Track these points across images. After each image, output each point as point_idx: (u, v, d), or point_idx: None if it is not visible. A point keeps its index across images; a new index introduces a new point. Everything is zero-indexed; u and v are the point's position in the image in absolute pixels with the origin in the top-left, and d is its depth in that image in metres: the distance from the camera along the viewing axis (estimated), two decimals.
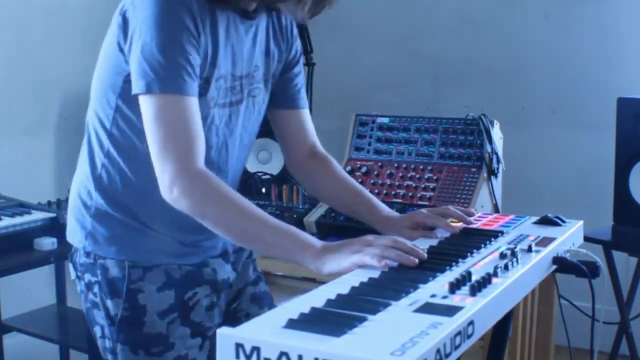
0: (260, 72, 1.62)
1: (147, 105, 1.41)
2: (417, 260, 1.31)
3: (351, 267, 1.34)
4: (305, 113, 1.77)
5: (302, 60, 1.76)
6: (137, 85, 1.41)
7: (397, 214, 1.68)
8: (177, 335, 1.54)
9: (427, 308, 1.08)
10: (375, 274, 1.26)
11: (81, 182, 1.58)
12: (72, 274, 1.62)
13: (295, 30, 1.71)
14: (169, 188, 1.39)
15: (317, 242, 1.40)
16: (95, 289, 1.54)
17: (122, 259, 1.52)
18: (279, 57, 1.67)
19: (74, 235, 1.59)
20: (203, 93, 1.47)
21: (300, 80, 1.76)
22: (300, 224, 2.33)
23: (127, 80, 1.45)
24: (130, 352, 1.53)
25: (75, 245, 1.58)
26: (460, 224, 1.60)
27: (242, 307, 1.71)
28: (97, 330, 1.58)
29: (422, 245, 1.43)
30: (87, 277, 1.56)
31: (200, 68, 1.45)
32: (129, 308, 1.51)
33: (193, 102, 1.43)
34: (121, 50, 1.46)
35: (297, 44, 1.72)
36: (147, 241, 1.54)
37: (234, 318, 1.68)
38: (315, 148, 1.78)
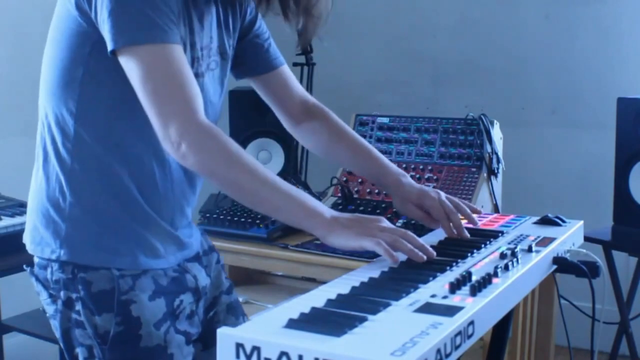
0: (214, 44, 1.51)
1: (133, 60, 1.29)
2: (425, 257, 1.31)
3: (355, 248, 1.32)
4: (284, 70, 1.68)
5: (261, 20, 1.65)
6: (117, 41, 1.28)
7: (408, 179, 1.63)
8: (175, 345, 1.44)
9: (428, 308, 1.08)
10: (376, 274, 1.26)
11: (47, 185, 1.42)
12: (43, 294, 1.44)
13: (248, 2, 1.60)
14: (176, 143, 1.29)
15: (326, 211, 1.36)
16: (78, 307, 1.39)
17: (107, 267, 1.38)
18: (233, 26, 1.57)
19: (44, 245, 1.42)
20: None
21: (267, 40, 1.67)
22: None
23: (95, 49, 1.34)
24: None
25: (45, 257, 1.41)
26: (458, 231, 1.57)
27: (219, 318, 1.62)
28: (82, 351, 1.42)
29: (428, 242, 1.43)
30: (66, 294, 1.40)
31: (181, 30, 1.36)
32: (122, 322, 1.38)
33: (180, 51, 1.33)
34: (84, 14, 1.34)
35: (252, 6, 1.60)
36: (129, 242, 1.41)
37: (212, 330, 1.50)
38: (307, 102, 1.72)
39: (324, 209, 1.37)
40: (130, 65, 1.30)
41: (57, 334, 1.45)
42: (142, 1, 1.29)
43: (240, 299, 2.22)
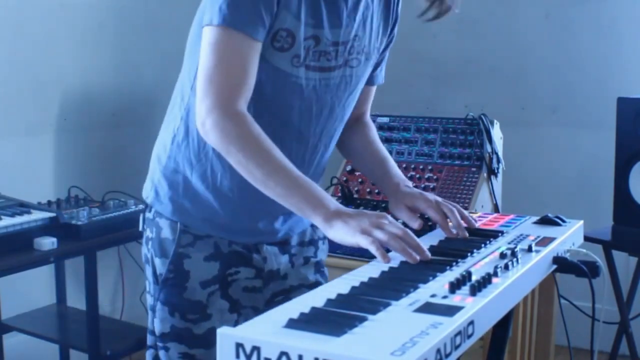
0: (360, 43, 1.57)
1: (209, 36, 1.41)
2: (418, 258, 1.32)
3: (352, 244, 1.35)
4: (375, 87, 1.79)
5: (393, 42, 1.76)
6: (207, 17, 1.41)
7: (407, 185, 1.65)
8: (216, 308, 1.55)
9: (427, 308, 1.08)
10: (376, 274, 1.26)
11: (161, 138, 1.61)
12: (140, 225, 1.66)
13: (400, 7, 1.71)
14: (203, 120, 1.40)
15: (330, 204, 1.38)
16: (150, 245, 1.59)
17: (175, 220, 1.55)
18: (383, 32, 1.66)
19: (145, 188, 1.63)
20: (286, 48, 1.46)
21: (385, 57, 1.77)
22: None
23: None
24: (167, 313, 1.55)
25: (144, 198, 1.62)
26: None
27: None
28: (147, 285, 1.62)
29: (428, 242, 1.43)
30: (147, 231, 1.60)
31: (288, 22, 1.44)
32: (174, 270, 1.54)
33: (255, 46, 1.42)
34: None
35: (396, 28, 1.72)
36: (205, 209, 1.54)
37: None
38: (364, 115, 1.80)
39: (329, 201, 1.39)
40: (205, 39, 1.43)
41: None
42: None
43: None
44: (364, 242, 1.33)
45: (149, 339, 1.60)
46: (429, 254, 1.34)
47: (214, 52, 1.41)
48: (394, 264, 1.32)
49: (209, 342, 1.54)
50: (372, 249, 1.32)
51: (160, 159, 1.59)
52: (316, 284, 1.68)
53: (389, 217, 1.39)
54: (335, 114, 1.59)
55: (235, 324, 1.56)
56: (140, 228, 1.66)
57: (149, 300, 1.59)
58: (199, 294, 1.54)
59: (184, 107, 1.55)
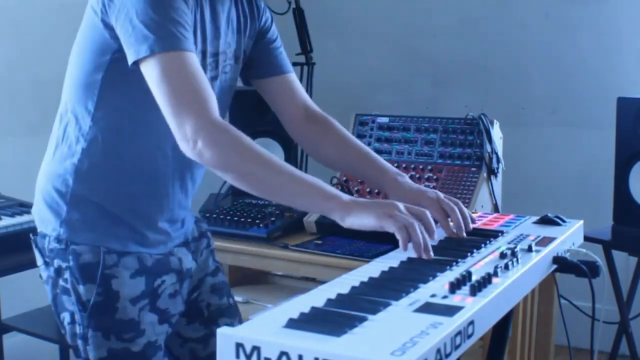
0: (231, 48, 1.62)
1: (151, 68, 1.39)
2: (424, 256, 1.34)
3: (375, 228, 1.36)
4: (291, 77, 1.76)
5: (274, 26, 1.75)
6: (137, 51, 1.39)
7: (406, 179, 1.65)
8: (147, 322, 1.55)
9: (427, 308, 1.08)
10: (376, 274, 1.26)
11: (53, 171, 1.56)
12: (39, 260, 1.59)
13: (261, 2, 1.70)
14: (192, 141, 1.37)
15: (343, 194, 1.41)
16: (66, 275, 1.53)
17: (97, 245, 1.51)
18: (250, 32, 1.67)
19: (46, 223, 1.56)
20: None
21: (278, 45, 1.75)
22: (300, 224, 2.33)
23: (114, 57, 1.46)
24: (102, 338, 1.52)
25: (48, 233, 1.55)
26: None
27: (202, 298, 1.73)
28: (66, 317, 1.56)
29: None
30: (57, 262, 1.54)
31: None
32: (102, 293, 1.51)
33: (195, 57, 1.43)
34: (107, 26, 1.45)
35: (267, 14, 1.72)
36: (122, 229, 1.54)
37: (195, 307, 1.72)
38: (309, 109, 1.77)
39: (340, 193, 1.41)
40: (149, 72, 1.40)
41: (50, 297, 1.59)
42: (159, 14, 1.38)
43: (240, 299, 2.23)
44: (391, 226, 1.34)
45: None
46: (432, 254, 1.35)
47: (166, 79, 1.38)
48: (394, 264, 1.32)
49: (146, 356, 1.55)
50: (400, 235, 1.33)
51: (60, 192, 1.54)
52: (217, 270, 1.77)
53: (401, 204, 1.40)
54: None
55: (167, 334, 1.60)
56: (41, 262, 1.58)
57: (77, 330, 1.54)
58: (130, 312, 1.53)
59: (81, 135, 1.53)
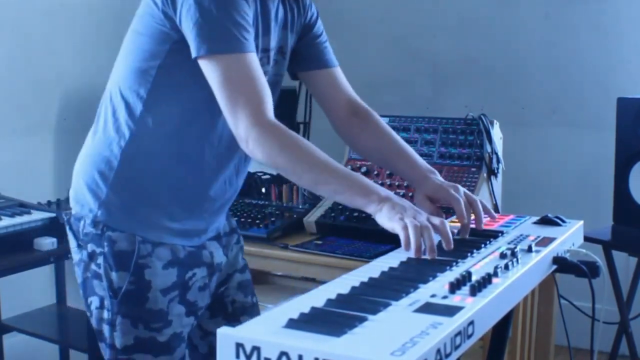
0: (279, 44, 1.66)
1: (210, 68, 1.45)
2: (424, 257, 1.36)
3: (390, 230, 1.41)
4: (336, 71, 1.81)
5: (320, 21, 1.80)
6: (197, 49, 1.44)
7: (437, 176, 1.68)
8: (175, 313, 1.58)
9: (427, 308, 1.08)
10: (376, 274, 1.26)
11: (98, 153, 1.58)
12: (72, 242, 1.61)
13: None
14: (244, 140, 1.44)
15: (381, 191, 1.46)
16: (99, 260, 1.55)
17: (132, 233, 1.54)
18: (296, 28, 1.71)
19: (83, 203, 1.58)
20: None
21: (323, 40, 1.80)
22: (300, 224, 2.33)
23: (174, 47, 1.50)
24: (130, 325, 1.55)
25: (83, 213, 1.57)
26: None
27: (229, 293, 1.76)
28: (94, 301, 1.58)
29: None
30: (91, 247, 1.56)
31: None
32: (135, 282, 1.54)
33: (255, 58, 1.48)
34: (167, 18, 1.49)
35: (312, 9, 1.77)
36: (160, 218, 1.56)
37: (220, 302, 1.74)
38: (354, 103, 1.81)
39: (380, 189, 1.47)
40: (209, 71, 1.46)
41: (78, 280, 1.61)
42: (223, 15, 1.44)
43: None
44: (397, 227, 1.39)
45: (108, 354, 1.59)
46: (435, 255, 1.36)
47: (227, 81, 1.44)
48: (394, 264, 1.32)
49: (171, 347, 1.58)
50: (402, 234, 1.37)
51: (103, 174, 1.56)
52: (245, 267, 1.81)
53: (423, 214, 1.43)
54: None
55: (190, 327, 1.64)
56: (74, 244, 1.60)
57: (104, 315, 1.56)
58: (160, 303, 1.56)
59: (131, 119, 1.55)
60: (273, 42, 1.63)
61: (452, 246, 1.38)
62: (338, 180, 1.46)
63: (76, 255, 1.61)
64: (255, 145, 1.43)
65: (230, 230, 1.78)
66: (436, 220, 1.41)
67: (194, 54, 1.45)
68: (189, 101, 1.55)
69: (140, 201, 1.56)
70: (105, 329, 1.57)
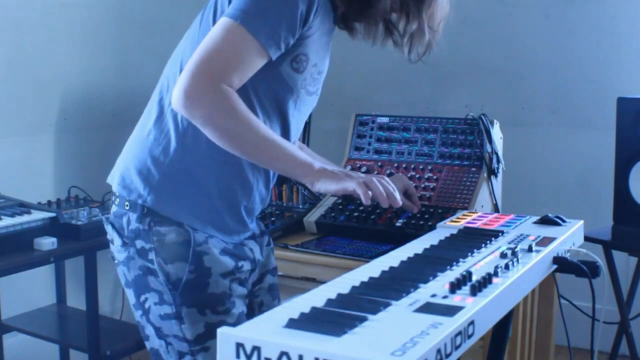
0: (326, 70, 1.71)
1: (223, 26, 1.45)
2: (388, 203, 1.53)
3: (338, 191, 1.52)
4: None
5: None
6: (235, 12, 1.44)
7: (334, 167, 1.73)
8: (237, 294, 1.60)
9: (428, 308, 1.08)
10: (376, 274, 1.26)
11: (154, 139, 1.57)
12: (117, 241, 1.59)
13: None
14: (188, 88, 1.41)
15: (315, 163, 1.54)
16: (151, 256, 1.54)
17: (181, 223, 1.53)
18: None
19: (132, 188, 1.57)
20: (301, 70, 1.57)
21: None
22: (300, 224, 2.33)
23: None
24: (197, 314, 1.54)
25: (131, 199, 1.56)
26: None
27: (259, 293, 1.77)
28: (151, 297, 1.56)
29: (428, 241, 1.44)
30: (140, 243, 1.55)
31: (309, 48, 1.55)
32: (195, 270, 1.53)
33: (261, 57, 1.47)
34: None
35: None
36: (207, 211, 1.56)
37: (250, 301, 1.73)
38: None
39: (314, 162, 1.55)
40: (218, 29, 1.45)
41: (127, 278, 1.59)
42: (274, 7, 1.45)
43: None
44: (350, 185, 1.50)
45: (180, 346, 1.56)
46: (399, 202, 1.55)
47: (223, 41, 1.43)
48: (394, 263, 1.32)
49: None
50: (360, 189, 1.49)
51: (157, 159, 1.56)
52: (275, 270, 1.83)
53: (361, 173, 1.58)
54: (298, 133, 1.71)
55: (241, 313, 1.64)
56: (119, 243, 1.58)
57: (166, 310, 1.54)
58: (222, 285, 1.56)
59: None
60: (326, 65, 1.69)
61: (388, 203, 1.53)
62: (278, 149, 1.50)
63: (121, 254, 1.58)
64: (199, 99, 1.41)
65: (261, 232, 1.78)
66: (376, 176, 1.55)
67: (225, 13, 1.45)
68: (245, 99, 1.52)
69: (189, 191, 1.55)
70: (172, 323, 1.55)
